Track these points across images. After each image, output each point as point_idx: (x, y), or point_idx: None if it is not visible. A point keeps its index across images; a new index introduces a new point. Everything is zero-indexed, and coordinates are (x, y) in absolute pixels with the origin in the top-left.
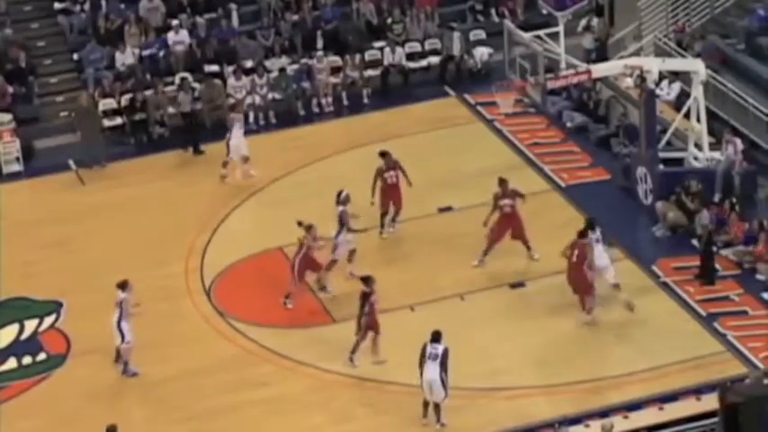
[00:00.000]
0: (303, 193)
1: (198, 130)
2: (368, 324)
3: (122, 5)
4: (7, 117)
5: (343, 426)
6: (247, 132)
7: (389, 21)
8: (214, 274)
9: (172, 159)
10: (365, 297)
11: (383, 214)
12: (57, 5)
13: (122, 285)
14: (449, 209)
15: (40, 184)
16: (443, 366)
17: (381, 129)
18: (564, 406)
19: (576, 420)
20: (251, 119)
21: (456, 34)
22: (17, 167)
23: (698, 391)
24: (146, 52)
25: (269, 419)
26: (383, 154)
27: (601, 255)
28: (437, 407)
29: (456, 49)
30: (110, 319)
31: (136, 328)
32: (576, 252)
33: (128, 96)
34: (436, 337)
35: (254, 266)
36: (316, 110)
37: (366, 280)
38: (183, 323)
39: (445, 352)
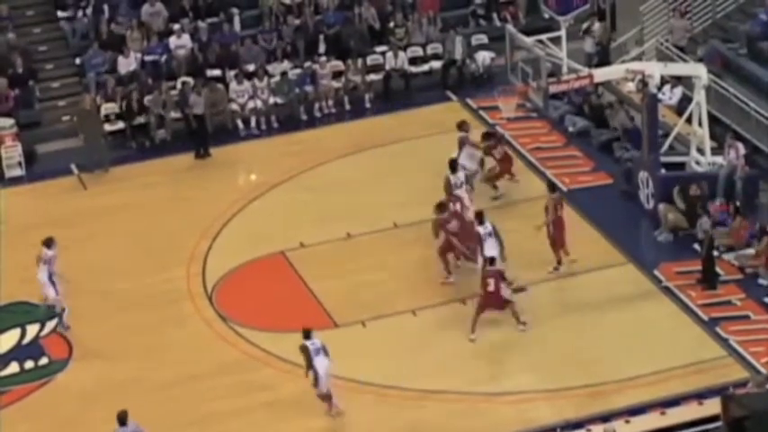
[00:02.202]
0: (305, 197)
1: (206, 134)
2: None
3: (125, 10)
4: (9, 121)
5: (344, 431)
6: (250, 137)
7: (391, 25)
8: (216, 279)
9: (174, 163)
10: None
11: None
12: (60, 14)
13: (48, 243)
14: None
15: (42, 188)
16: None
17: (383, 133)
18: (566, 410)
19: (578, 425)
20: (253, 123)
21: (458, 38)
22: (19, 172)
23: (700, 396)
24: (148, 57)
25: (270, 424)
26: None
27: (492, 247)
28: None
29: (458, 54)
30: (39, 277)
31: (138, 331)
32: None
33: (129, 100)
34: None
35: (255, 271)
36: (318, 114)
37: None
38: (184, 327)
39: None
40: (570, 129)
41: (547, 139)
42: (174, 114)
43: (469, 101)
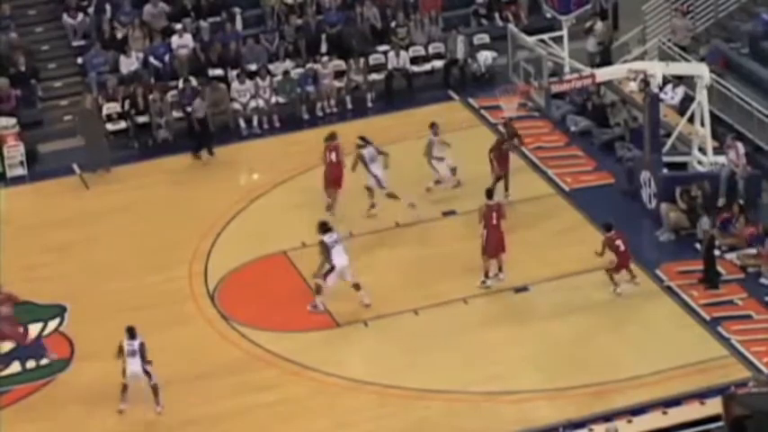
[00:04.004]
0: (307, 197)
1: (210, 135)
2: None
3: (127, 9)
4: (11, 121)
5: (347, 430)
6: (252, 136)
7: (393, 25)
8: (218, 278)
9: (176, 163)
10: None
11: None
12: (65, 17)
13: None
14: (452, 213)
15: (44, 188)
16: (144, 359)
17: (385, 132)
18: (567, 410)
19: (579, 424)
20: (255, 123)
21: (460, 38)
22: (21, 171)
23: (702, 396)
24: (151, 59)
25: (272, 424)
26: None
27: (340, 254)
28: (155, 389)
29: (460, 53)
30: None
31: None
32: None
33: (131, 100)
34: (132, 334)
35: (257, 270)
36: (320, 114)
37: None
38: (186, 327)
39: (141, 346)
40: (572, 128)
41: (548, 138)
42: (176, 114)
43: (471, 100)
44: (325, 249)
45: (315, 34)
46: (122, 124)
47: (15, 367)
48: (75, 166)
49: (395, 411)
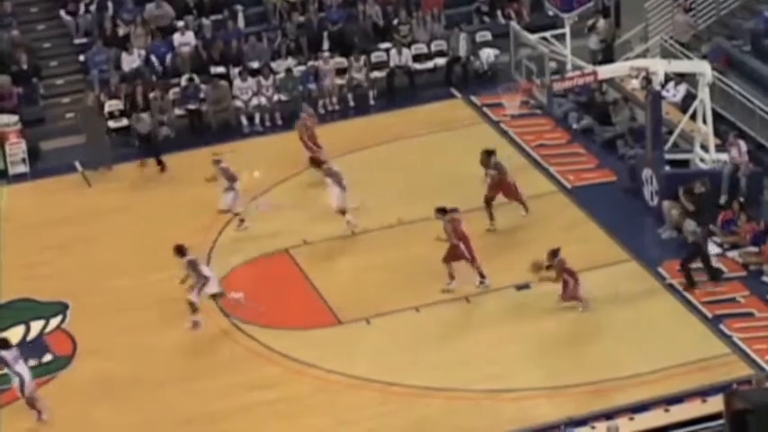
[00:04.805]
0: (309, 194)
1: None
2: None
3: (130, 7)
4: (13, 118)
5: (348, 427)
6: (253, 134)
7: (395, 22)
8: (220, 276)
9: (177, 161)
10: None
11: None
12: (62, 14)
13: None
14: (454, 210)
15: (46, 185)
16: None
17: (387, 130)
18: (568, 408)
19: (581, 422)
20: (257, 120)
21: (462, 35)
22: (23, 169)
23: (704, 393)
24: (153, 58)
25: (273, 421)
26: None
27: (204, 268)
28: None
29: (462, 51)
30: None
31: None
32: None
33: (133, 97)
34: (3, 345)
35: (259, 268)
36: (321, 111)
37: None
38: (187, 325)
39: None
40: (574, 126)
41: (551, 136)
42: (178, 112)
43: (473, 98)
44: (193, 266)
45: (317, 32)
46: (124, 122)
47: None
48: (77, 164)
49: (396, 409)
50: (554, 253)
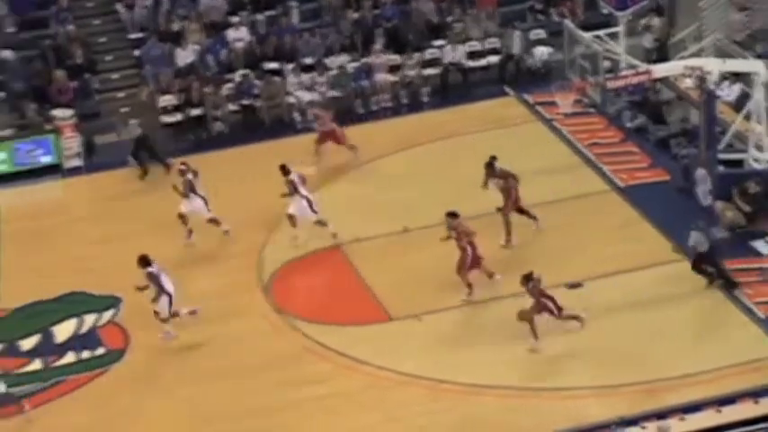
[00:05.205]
0: (361, 191)
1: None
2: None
3: (185, 2)
4: (69, 112)
5: (398, 424)
6: (306, 130)
7: (450, 19)
8: (272, 271)
9: (230, 156)
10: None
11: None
12: (119, 9)
13: None
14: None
15: (101, 179)
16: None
17: (440, 128)
18: (619, 408)
19: (632, 422)
20: (310, 117)
21: (516, 33)
22: (78, 162)
23: (756, 395)
24: (208, 55)
25: (323, 417)
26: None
27: (167, 282)
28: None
29: (516, 49)
30: None
31: (191, 323)
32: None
33: (187, 92)
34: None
35: (312, 264)
36: (374, 108)
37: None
38: (240, 320)
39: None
40: (628, 125)
41: (604, 134)
42: (232, 107)
43: (526, 96)
44: (155, 279)
45: (371, 28)
46: (178, 116)
47: (70, 357)
48: (130, 158)
49: (446, 407)
50: (527, 278)
